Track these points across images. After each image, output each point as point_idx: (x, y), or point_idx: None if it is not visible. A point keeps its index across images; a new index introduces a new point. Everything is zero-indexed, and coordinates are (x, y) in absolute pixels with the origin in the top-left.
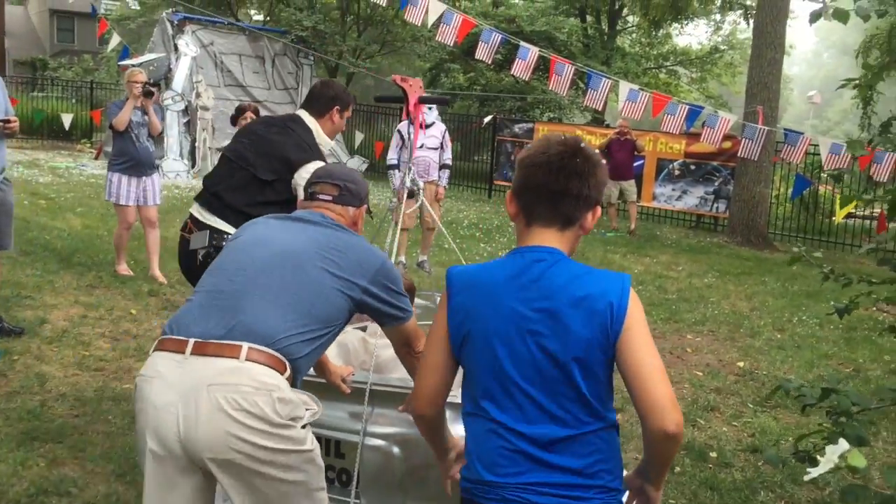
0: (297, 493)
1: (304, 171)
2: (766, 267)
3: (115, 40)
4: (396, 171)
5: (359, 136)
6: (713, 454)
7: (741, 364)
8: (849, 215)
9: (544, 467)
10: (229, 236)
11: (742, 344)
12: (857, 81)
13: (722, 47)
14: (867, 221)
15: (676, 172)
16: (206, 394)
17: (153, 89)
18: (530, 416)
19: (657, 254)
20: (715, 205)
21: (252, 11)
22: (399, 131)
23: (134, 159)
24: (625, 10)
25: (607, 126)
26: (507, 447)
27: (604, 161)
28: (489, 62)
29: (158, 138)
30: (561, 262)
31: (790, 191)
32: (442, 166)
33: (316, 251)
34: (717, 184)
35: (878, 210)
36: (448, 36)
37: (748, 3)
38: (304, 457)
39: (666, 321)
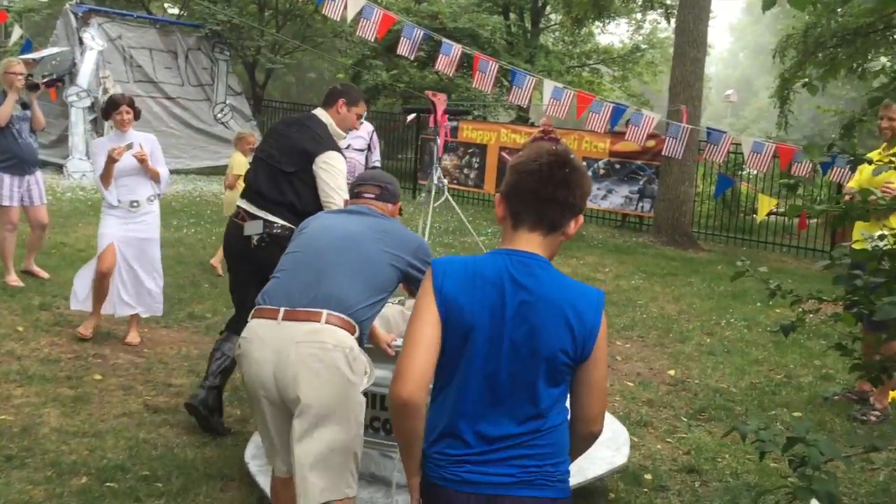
0: (350, 429)
1: (320, 160)
2: (692, 267)
3: (16, 33)
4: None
5: None
6: (648, 476)
7: (672, 372)
8: (769, 213)
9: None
10: (281, 225)
11: (672, 350)
12: (807, 80)
13: (643, 46)
14: (787, 219)
15: (601, 171)
16: (294, 349)
17: (39, 82)
18: (493, 400)
19: (584, 254)
20: (640, 204)
21: (167, 4)
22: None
23: (17, 157)
24: (548, 9)
25: (532, 125)
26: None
27: (509, 158)
28: (412, 58)
29: (54, 137)
30: (547, 270)
31: (712, 189)
32: (372, 168)
33: (370, 233)
34: (641, 183)
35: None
36: (369, 31)
37: (669, 2)
38: (361, 403)
39: None
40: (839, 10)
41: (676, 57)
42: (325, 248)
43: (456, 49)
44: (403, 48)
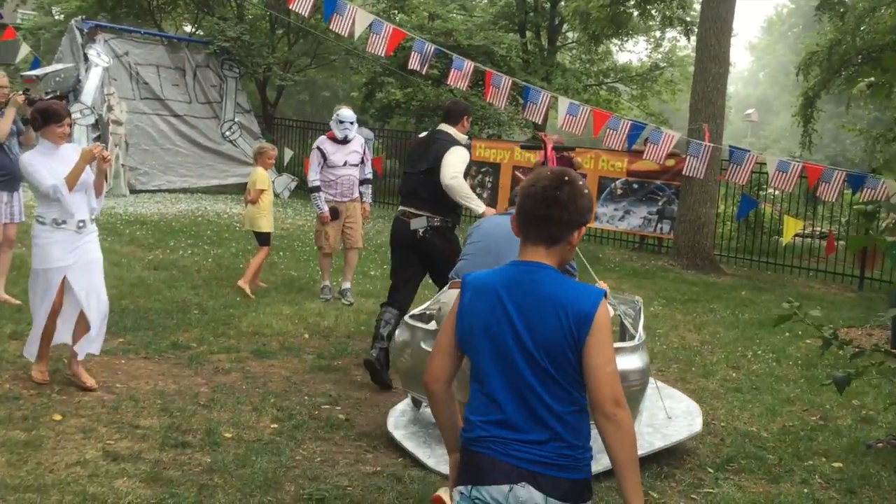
0: None
1: (448, 157)
2: (715, 292)
3: (23, 50)
4: (319, 192)
5: (288, 154)
6: None
7: None
8: (795, 235)
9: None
10: (439, 219)
11: (695, 386)
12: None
13: (662, 64)
14: (811, 240)
15: (619, 191)
16: None
17: (35, 96)
18: (510, 391)
19: (601, 278)
20: (659, 225)
21: (184, 23)
22: (318, 148)
23: (10, 173)
24: (565, 26)
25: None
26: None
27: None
28: (423, 73)
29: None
30: (547, 274)
31: (734, 210)
32: (363, 181)
33: None
34: (660, 203)
35: (826, 230)
36: (378, 47)
37: (689, 18)
38: None
39: None
40: (863, 27)
41: (698, 73)
42: (500, 239)
43: (468, 64)
44: (414, 62)
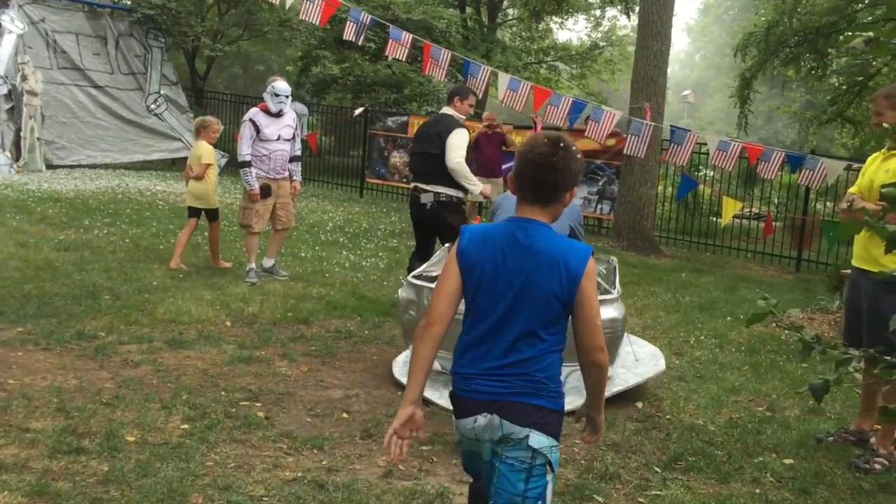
0: None
1: (451, 139)
2: (655, 275)
3: None
4: (250, 168)
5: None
6: None
7: (639, 404)
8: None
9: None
10: (445, 194)
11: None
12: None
13: (602, 44)
14: (749, 222)
15: None
16: None
17: None
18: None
19: None
20: (599, 206)
21: None
22: (252, 121)
23: None
24: (505, 3)
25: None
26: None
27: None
28: (360, 45)
29: None
30: (542, 230)
31: (671, 190)
32: (292, 158)
33: None
34: (601, 184)
35: (762, 211)
36: (312, 15)
37: None
38: None
39: None
40: (800, 8)
41: (639, 50)
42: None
43: (406, 35)
44: (349, 33)
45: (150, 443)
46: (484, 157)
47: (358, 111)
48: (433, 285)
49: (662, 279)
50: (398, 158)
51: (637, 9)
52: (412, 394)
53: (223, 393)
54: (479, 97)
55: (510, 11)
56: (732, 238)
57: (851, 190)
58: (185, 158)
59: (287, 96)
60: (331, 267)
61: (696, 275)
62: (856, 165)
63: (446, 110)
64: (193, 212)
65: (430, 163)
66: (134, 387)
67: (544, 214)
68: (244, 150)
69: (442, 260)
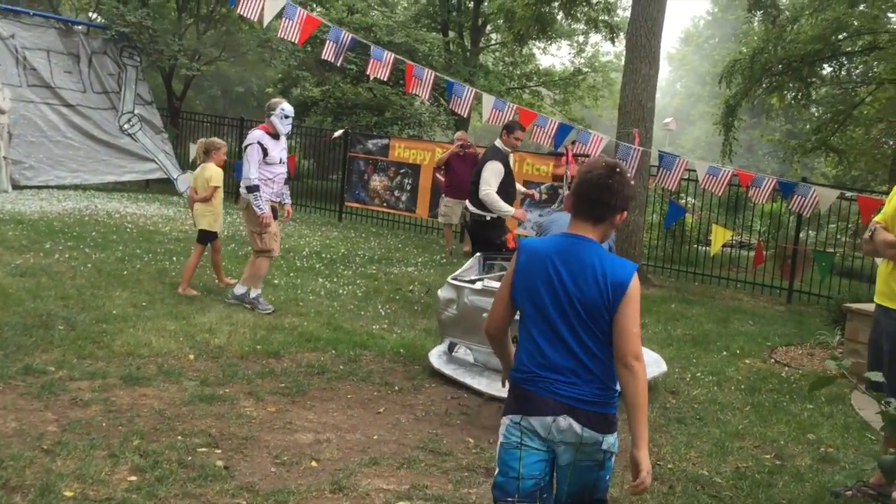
0: None
1: (484, 173)
2: (645, 305)
3: None
4: (259, 192)
5: (194, 150)
6: None
7: None
8: (723, 245)
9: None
10: (478, 213)
11: None
12: None
13: (585, 69)
14: (738, 250)
15: (544, 196)
16: None
17: None
18: (555, 339)
19: None
20: None
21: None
22: (260, 143)
23: None
24: (488, 27)
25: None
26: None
27: (441, 178)
28: (339, 65)
29: None
30: (591, 246)
31: (655, 218)
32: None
33: None
34: None
35: (750, 240)
36: (291, 33)
37: (613, 21)
38: None
39: None
40: (786, 36)
41: (627, 74)
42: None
43: (388, 54)
44: (329, 53)
45: (90, 498)
46: (457, 177)
47: (338, 133)
48: (468, 286)
49: (652, 310)
50: (378, 182)
51: (621, 35)
52: (504, 361)
53: (179, 438)
54: (465, 116)
55: (493, 36)
56: (716, 267)
57: (877, 218)
58: (160, 180)
59: (286, 116)
60: (305, 295)
61: (686, 306)
62: (848, 194)
63: (496, 142)
64: (210, 235)
65: (472, 187)
66: (80, 430)
67: (595, 232)
68: (253, 174)
69: (474, 266)
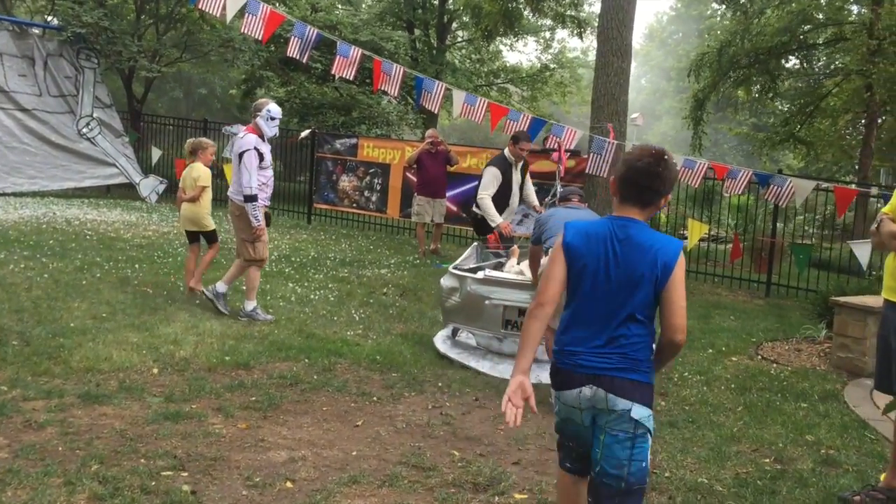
0: None
1: (482, 178)
2: None
3: None
4: (257, 201)
5: (156, 154)
6: None
7: None
8: (700, 239)
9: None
10: (475, 212)
11: None
12: None
13: (552, 66)
14: (715, 244)
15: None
16: None
17: None
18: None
19: None
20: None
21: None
22: (256, 149)
23: None
24: (454, 25)
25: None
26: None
27: (413, 177)
28: (304, 62)
29: None
30: (641, 227)
31: None
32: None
33: (588, 214)
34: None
35: (724, 233)
36: (255, 29)
37: (580, 16)
38: None
39: None
40: (752, 29)
41: (599, 67)
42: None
43: (355, 50)
44: (293, 49)
45: None
46: (428, 175)
47: (304, 133)
48: (471, 276)
49: None
50: (348, 182)
51: (588, 30)
52: (524, 364)
53: (142, 461)
54: (435, 111)
55: (460, 33)
56: (697, 261)
57: (884, 210)
58: (121, 185)
59: (272, 118)
60: (275, 301)
61: None
62: (823, 185)
63: (504, 151)
64: (192, 236)
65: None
66: (34, 456)
67: (643, 215)
68: (254, 183)
69: (472, 254)
